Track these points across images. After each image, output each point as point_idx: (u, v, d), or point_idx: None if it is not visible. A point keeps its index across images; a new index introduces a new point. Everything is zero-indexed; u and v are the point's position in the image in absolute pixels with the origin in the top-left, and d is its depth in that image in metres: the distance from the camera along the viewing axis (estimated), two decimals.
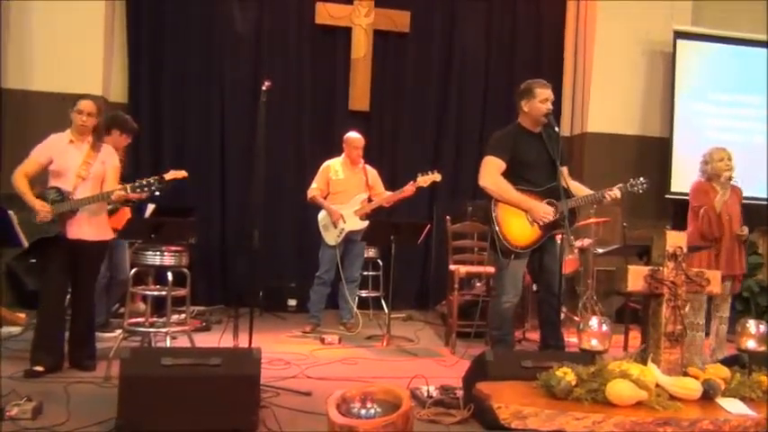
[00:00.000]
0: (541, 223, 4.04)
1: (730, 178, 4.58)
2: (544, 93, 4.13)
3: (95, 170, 3.98)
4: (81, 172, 3.92)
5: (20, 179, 3.88)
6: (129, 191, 3.90)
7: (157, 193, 3.98)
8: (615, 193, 4.17)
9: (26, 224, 3.81)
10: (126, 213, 4.82)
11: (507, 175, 4.11)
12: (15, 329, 4.92)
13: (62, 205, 3.83)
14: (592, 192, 4.21)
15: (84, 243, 3.93)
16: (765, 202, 6.76)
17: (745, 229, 4.65)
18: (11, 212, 3.68)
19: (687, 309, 4.46)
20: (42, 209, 3.78)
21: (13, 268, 5.77)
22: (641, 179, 4.25)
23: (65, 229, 3.87)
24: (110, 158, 4.08)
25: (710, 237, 4.57)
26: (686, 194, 4.95)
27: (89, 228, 3.95)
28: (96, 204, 3.94)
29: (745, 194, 4.90)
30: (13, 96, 6.15)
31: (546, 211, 4.03)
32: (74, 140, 3.98)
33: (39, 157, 3.95)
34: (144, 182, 3.93)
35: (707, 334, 4.75)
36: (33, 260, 4.09)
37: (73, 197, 3.87)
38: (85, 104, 3.97)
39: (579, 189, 4.28)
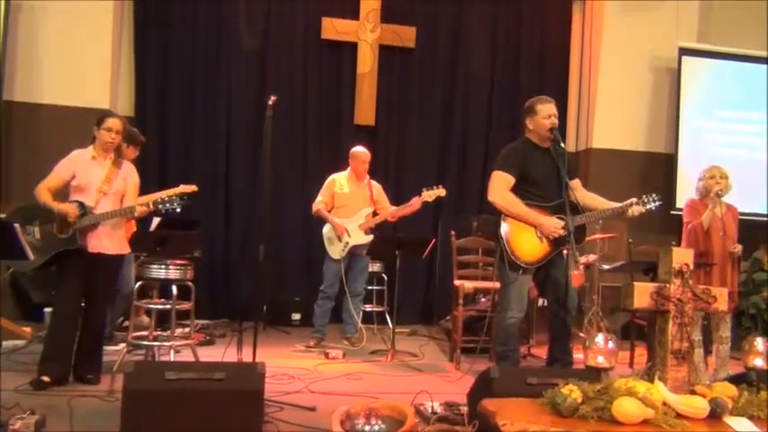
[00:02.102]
0: (551, 238, 4.03)
1: (719, 194, 4.57)
2: (546, 109, 4.12)
3: (117, 186, 4.03)
4: (103, 187, 3.98)
5: (44, 193, 3.92)
6: (152, 206, 3.94)
7: (179, 210, 4.00)
8: (639, 209, 4.13)
9: (49, 236, 3.88)
10: (132, 226, 4.84)
11: (516, 190, 4.09)
12: (20, 342, 4.92)
13: (85, 219, 3.87)
14: (610, 206, 4.15)
15: (103, 257, 3.97)
16: None
17: (738, 247, 4.64)
18: (16, 225, 3.69)
19: None
20: (71, 209, 3.82)
21: (19, 281, 5.78)
22: (654, 196, 4.22)
23: (85, 243, 3.91)
24: (131, 175, 4.14)
25: (696, 252, 4.56)
26: None
27: (109, 241, 3.99)
28: (116, 219, 4.00)
29: (750, 210, 4.90)
30: (21, 109, 6.19)
31: (556, 226, 4.01)
32: (96, 157, 4.03)
33: (62, 172, 3.99)
34: (167, 197, 3.99)
35: (708, 352, 4.73)
36: (40, 271, 4.09)
37: (94, 212, 3.91)
38: (114, 123, 4.03)
39: (595, 200, 4.24)
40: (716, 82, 7.28)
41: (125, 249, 4.16)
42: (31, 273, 5.65)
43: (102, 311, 4.14)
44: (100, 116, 4.10)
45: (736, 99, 7.26)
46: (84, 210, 3.90)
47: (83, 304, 4.04)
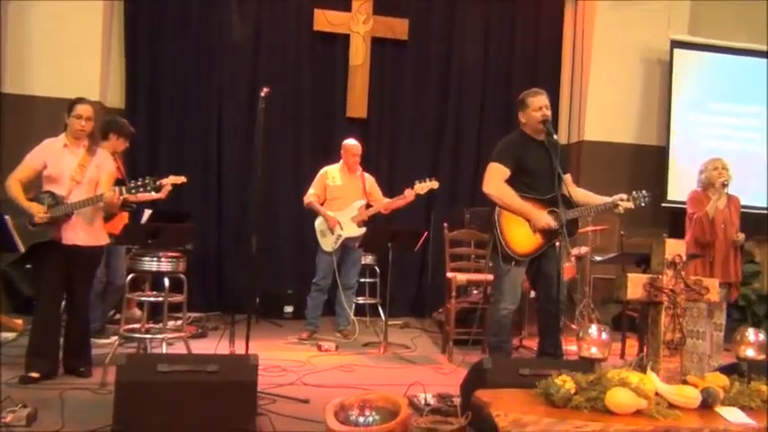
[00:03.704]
0: (544, 231, 4.04)
1: (724, 185, 4.61)
2: (537, 101, 4.13)
3: (90, 174, 3.91)
4: (76, 176, 3.86)
5: (14, 185, 3.82)
6: (124, 192, 3.82)
7: (153, 194, 3.93)
8: (630, 204, 4.15)
9: (21, 230, 3.78)
10: (123, 219, 4.82)
11: (511, 182, 4.11)
12: (11, 335, 4.89)
13: (57, 209, 3.77)
14: (602, 201, 4.19)
15: (79, 249, 3.87)
16: (763, 211, 6.77)
17: (741, 236, 4.69)
18: (7, 217, 3.66)
19: (687, 317, 4.50)
20: (38, 211, 3.73)
21: (9, 274, 5.75)
22: (644, 192, 4.24)
23: (60, 235, 3.80)
24: (105, 163, 4.02)
25: (703, 242, 4.61)
26: (683, 203, 4.99)
27: (84, 233, 3.89)
28: (91, 209, 3.88)
29: (742, 203, 4.93)
30: (12, 101, 6.14)
31: (548, 222, 4.03)
32: (68, 145, 3.92)
33: (33, 162, 3.89)
34: (139, 183, 3.84)
35: None
36: (29, 266, 4.04)
37: (67, 201, 3.81)
38: (84, 109, 3.91)
39: (586, 196, 4.27)
40: (707, 75, 7.30)
41: (102, 240, 4.06)
42: (7, 268, 5.63)
43: (84, 303, 4.07)
44: (70, 102, 3.96)
45: (728, 92, 7.28)
46: (55, 200, 3.79)
47: (65, 296, 4.00)
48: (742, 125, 7.28)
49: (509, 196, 4.07)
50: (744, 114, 7.28)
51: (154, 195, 4.93)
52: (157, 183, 4.01)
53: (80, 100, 3.98)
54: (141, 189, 3.84)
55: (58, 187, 3.84)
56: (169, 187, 5.09)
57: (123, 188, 3.83)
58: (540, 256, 4.13)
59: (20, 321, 5.04)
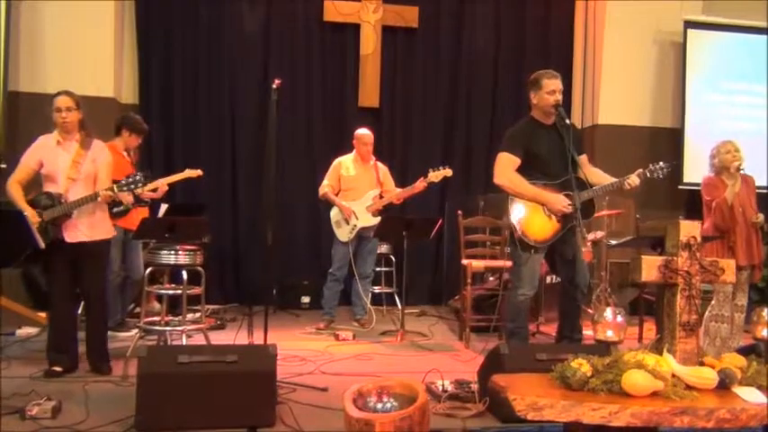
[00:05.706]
0: (560, 215, 4.03)
1: (739, 168, 4.56)
2: (551, 84, 4.08)
3: (86, 170, 3.85)
4: (71, 173, 3.80)
5: (13, 187, 3.81)
6: (116, 190, 3.79)
7: (143, 182, 3.90)
8: (634, 180, 4.10)
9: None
10: (141, 214, 4.87)
11: (523, 169, 4.08)
12: (33, 330, 4.98)
13: (54, 210, 3.75)
14: (611, 181, 4.15)
15: (84, 245, 3.85)
16: None
17: (761, 216, 4.65)
18: (26, 214, 3.70)
19: (713, 301, 4.50)
20: (31, 216, 3.71)
21: (30, 270, 5.82)
22: (661, 164, 4.19)
23: (62, 234, 3.80)
24: (101, 155, 3.94)
25: (724, 228, 4.58)
26: (699, 185, 4.94)
27: (86, 229, 3.86)
28: (91, 204, 3.83)
29: (758, 183, 4.88)
30: (27, 100, 6.19)
31: (563, 203, 4.01)
32: (61, 141, 3.86)
33: (29, 162, 3.86)
34: (130, 179, 3.82)
35: None
36: (21, 267, 4.05)
37: (65, 200, 3.78)
38: (62, 101, 3.83)
39: (600, 176, 4.22)
40: (722, 55, 7.21)
41: (108, 233, 4.00)
42: (18, 269, 5.68)
43: (100, 297, 4.03)
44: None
45: (743, 71, 7.20)
46: (52, 200, 3.77)
47: (81, 293, 4.03)
48: (758, 104, 7.18)
49: (520, 185, 4.05)
50: (760, 93, 7.17)
51: (151, 194, 4.91)
52: (150, 177, 3.96)
53: (59, 93, 3.91)
54: (133, 185, 3.84)
55: (56, 186, 3.82)
56: (165, 187, 5.03)
57: (115, 186, 3.80)
58: (558, 241, 4.11)
59: (43, 315, 5.12)
